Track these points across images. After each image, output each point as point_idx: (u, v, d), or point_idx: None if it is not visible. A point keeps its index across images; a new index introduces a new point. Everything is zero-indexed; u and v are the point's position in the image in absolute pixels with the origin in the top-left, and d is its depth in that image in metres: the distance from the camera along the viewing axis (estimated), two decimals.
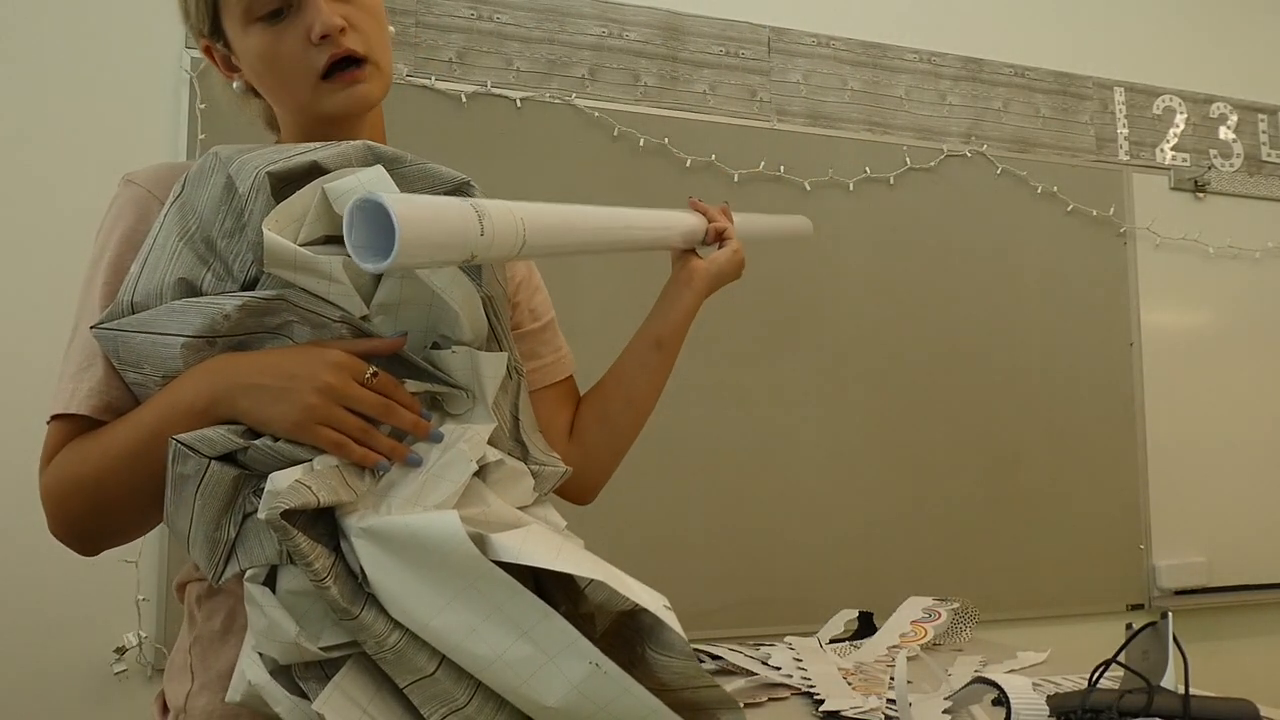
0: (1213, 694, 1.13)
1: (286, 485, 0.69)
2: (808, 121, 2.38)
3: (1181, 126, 2.77)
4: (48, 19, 1.89)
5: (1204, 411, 2.66)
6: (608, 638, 0.74)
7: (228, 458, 0.73)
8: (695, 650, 1.67)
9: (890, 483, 2.34)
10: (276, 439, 0.73)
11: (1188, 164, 2.75)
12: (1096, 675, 1.16)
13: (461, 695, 0.69)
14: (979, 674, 1.46)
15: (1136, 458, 2.58)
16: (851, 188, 2.38)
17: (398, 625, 0.69)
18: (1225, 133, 2.82)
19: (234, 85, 0.93)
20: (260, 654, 0.71)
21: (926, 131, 2.49)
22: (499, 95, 2.12)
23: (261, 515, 0.69)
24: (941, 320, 2.43)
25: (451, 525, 0.67)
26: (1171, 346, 2.65)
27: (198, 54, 1.91)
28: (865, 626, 1.94)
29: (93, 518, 0.78)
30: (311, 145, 0.80)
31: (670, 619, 0.68)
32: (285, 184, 0.77)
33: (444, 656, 0.69)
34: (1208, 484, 2.64)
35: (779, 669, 1.58)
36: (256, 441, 0.73)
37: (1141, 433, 2.59)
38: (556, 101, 2.16)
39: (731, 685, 1.48)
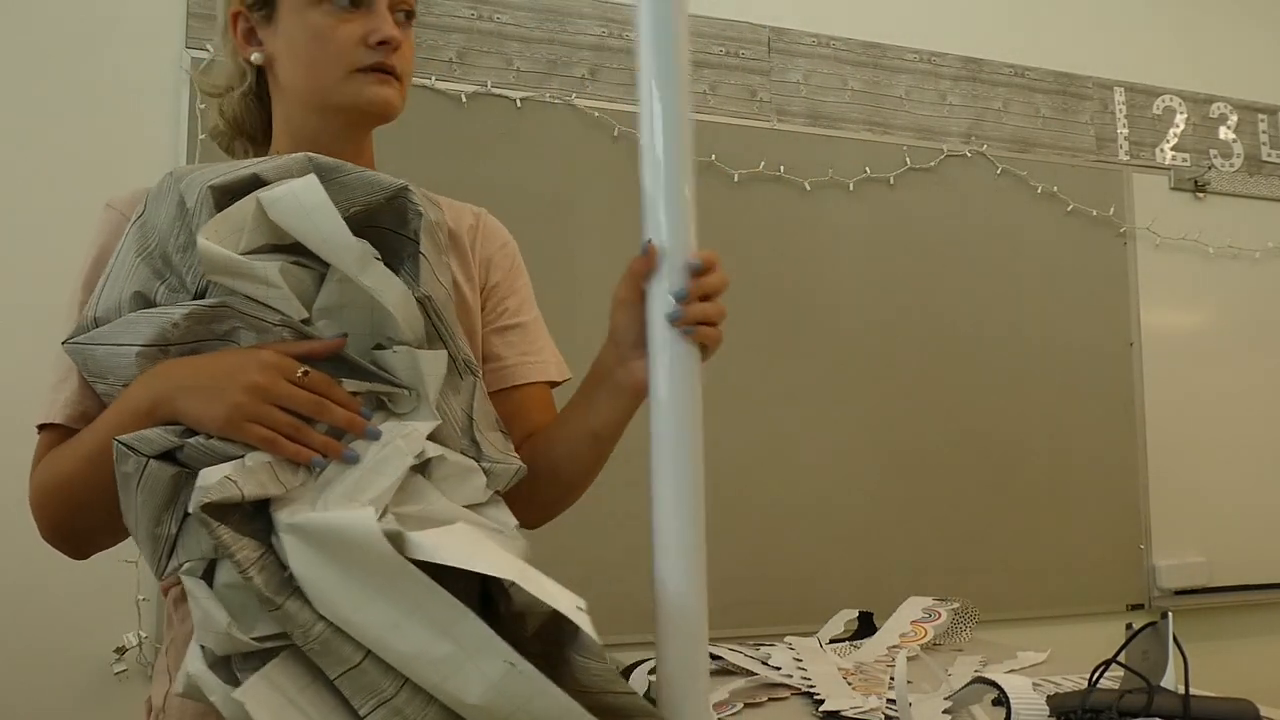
0: (1213, 694, 1.13)
1: (215, 480, 0.72)
2: (808, 121, 2.38)
3: (1181, 126, 2.77)
4: (48, 18, 1.89)
5: (1204, 411, 2.66)
6: (540, 638, 0.74)
7: (167, 456, 0.76)
8: None
9: (890, 483, 2.34)
10: (209, 437, 0.76)
11: (1188, 164, 2.75)
12: (1096, 675, 1.16)
13: (389, 687, 0.70)
14: (979, 674, 1.46)
15: (1136, 458, 2.58)
16: (851, 188, 2.38)
17: (322, 617, 0.70)
18: (1225, 133, 2.82)
19: (252, 57, 0.93)
20: (201, 646, 0.74)
21: (926, 131, 2.49)
22: (499, 95, 2.12)
23: (191, 509, 0.72)
24: (941, 320, 2.43)
25: (366, 523, 0.68)
26: (1171, 346, 2.64)
27: (198, 54, 1.93)
28: (865, 626, 1.94)
29: (71, 520, 0.84)
30: (256, 160, 0.84)
31: (583, 621, 0.69)
32: (229, 197, 0.80)
33: (369, 650, 0.71)
34: (1208, 484, 2.64)
35: (779, 669, 1.58)
36: (191, 440, 0.76)
37: (1141, 433, 2.58)
38: (556, 101, 2.16)
39: (731, 685, 1.48)
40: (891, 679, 1.50)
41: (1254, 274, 2.76)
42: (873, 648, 1.77)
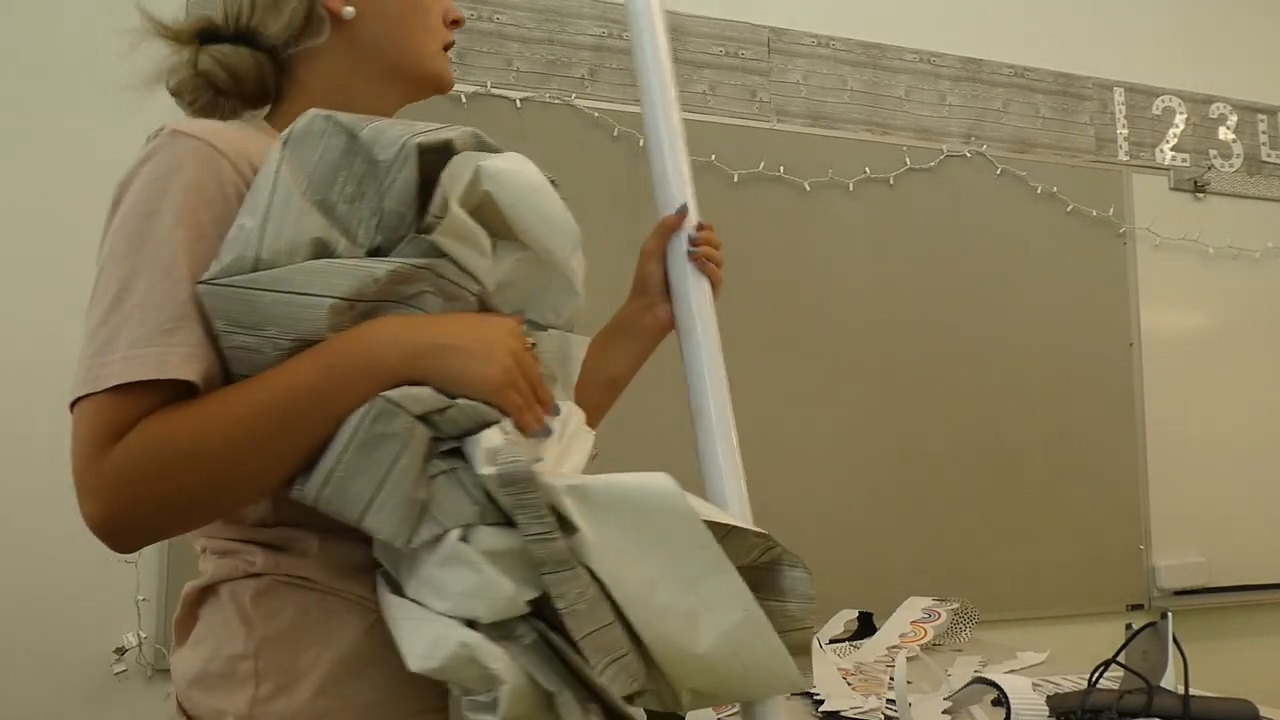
0: (1213, 694, 1.13)
1: (499, 444, 0.71)
2: (808, 122, 2.38)
3: (1181, 127, 2.77)
4: (48, 19, 1.89)
5: (1204, 412, 2.66)
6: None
7: (422, 418, 0.72)
8: None
9: (890, 483, 2.34)
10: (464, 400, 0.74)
11: (1187, 164, 2.75)
12: (1096, 675, 1.16)
13: (625, 645, 0.72)
14: (978, 674, 1.46)
15: (1136, 458, 2.58)
16: (851, 188, 2.38)
17: (595, 577, 0.71)
18: (1225, 133, 2.82)
19: (345, 10, 0.88)
20: (448, 618, 0.70)
21: (926, 132, 2.49)
22: (499, 95, 2.12)
23: (491, 471, 0.70)
24: (941, 320, 2.43)
25: (668, 486, 0.72)
26: (1171, 346, 2.65)
27: None
28: (865, 626, 1.94)
29: (195, 495, 0.70)
30: (433, 125, 0.80)
31: (803, 564, 0.81)
32: (427, 158, 0.78)
33: (619, 610, 0.72)
34: (1208, 484, 2.64)
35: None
36: (459, 401, 0.72)
37: (1141, 433, 2.59)
38: (556, 102, 2.16)
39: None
40: (891, 679, 1.50)
41: (1254, 274, 2.76)
42: (873, 648, 1.77)
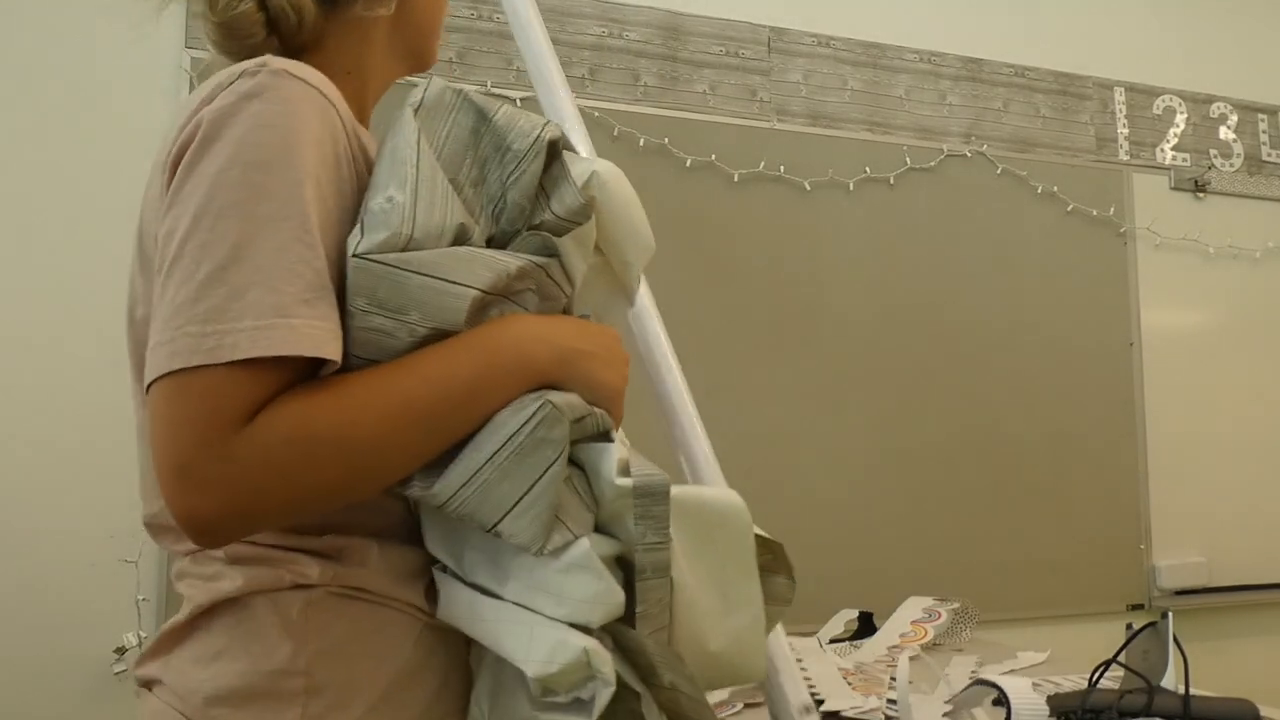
0: (1213, 694, 1.13)
1: (628, 454, 0.72)
2: (808, 121, 2.38)
3: (1181, 126, 2.77)
4: (48, 18, 1.89)
5: (1204, 411, 2.66)
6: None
7: None
8: None
9: (890, 483, 2.34)
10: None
11: (1188, 164, 2.75)
12: (1096, 675, 1.16)
13: (664, 629, 0.75)
14: (977, 674, 1.46)
15: (1136, 458, 2.58)
16: (851, 188, 2.38)
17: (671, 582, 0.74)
18: (1225, 133, 2.82)
19: (384, 10, 0.84)
20: (565, 624, 0.70)
21: (926, 131, 2.49)
22: (499, 95, 2.12)
23: (632, 482, 0.70)
24: (941, 320, 2.43)
25: (742, 506, 0.80)
26: (1171, 346, 2.64)
27: (198, 54, 1.92)
28: (865, 626, 1.94)
29: (335, 486, 0.64)
30: (544, 119, 0.78)
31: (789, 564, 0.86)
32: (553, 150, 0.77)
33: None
34: (1208, 484, 2.64)
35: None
36: (596, 409, 0.72)
37: (1141, 433, 2.58)
38: None
39: (731, 685, 1.47)
40: (892, 679, 1.50)
41: (1254, 274, 2.76)
42: (873, 648, 1.77)
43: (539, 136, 0.73)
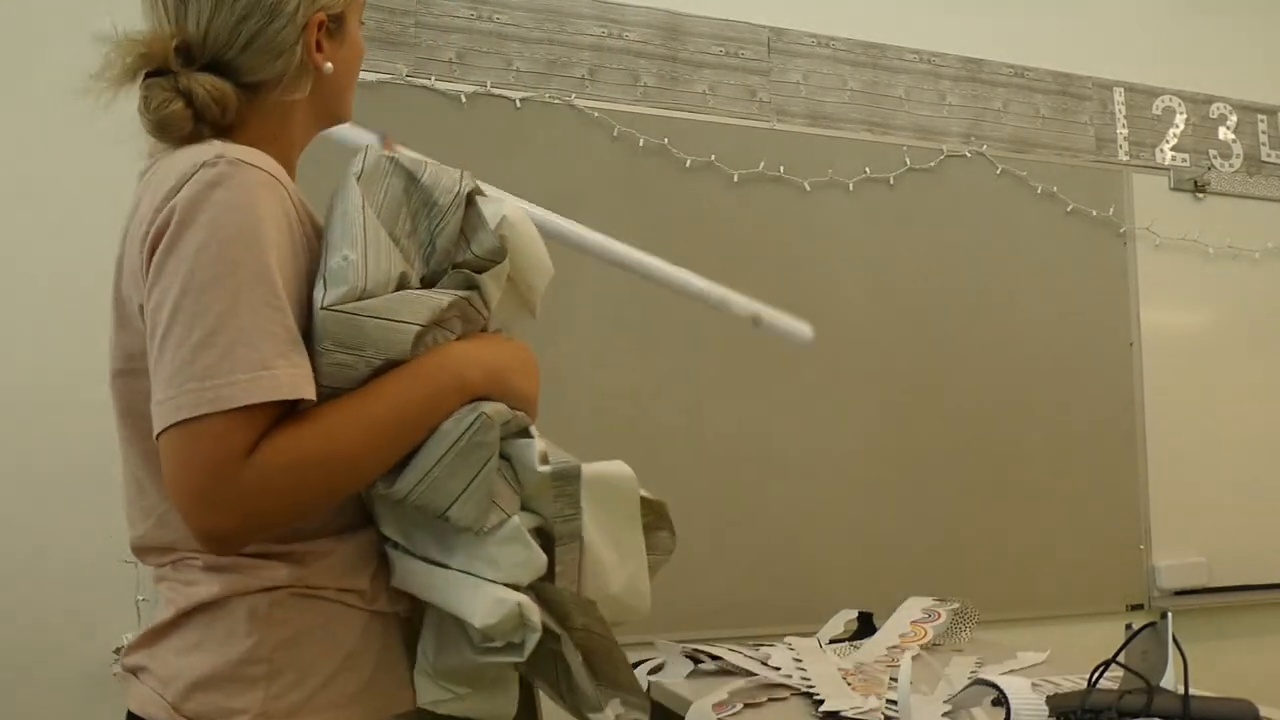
0: (1213, 694, 1.13)
1: (545, 446, 0.90)
2: (808, 122, 2.38)
3: (1181, 127, 2.77)
4: (48, 18, 1.89)
5: (1204, 412, 2.66)
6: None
7: None
8: (696, 650, 1.67)
9: (890, 483, 2.34)
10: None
11: (1187, 164, 2.75)
12: (1096, 675, 1.16)
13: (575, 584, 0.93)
14: (976, 675, 1.46)
15: (1136, 457, 2.58)
16: (851, 188, 2.38)
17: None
18: (1225, 133, 2.82)
19: (326, 66, 0.94)
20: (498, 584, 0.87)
21: (926, 132, 2.49)
22: (499, 95, 2.12)
23: (550, 469, 0.88)
24: (941, 320, 2.43)
25: (630, 474, 0.95)
26: (1171, 346, 2.64)
27: None
28: (865, 626, 1.94)
29: (321, 497, 0.82)
30: (462, 170, 0.94)
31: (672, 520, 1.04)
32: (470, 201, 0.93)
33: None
34: (1208, 484, 2.64)
35: (779, 669, 1.58)
36: (519, 413, 0.90)
37: (1141, 433, 2.58)
38: (556, 102, 2.16)
39: (731, 685, 1.48)
40: (892, 679, 1.50)
41: (1254, 274, 2.76)
42: (872, 648, 1.77)
43: (459, 192, 0.90)
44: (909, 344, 2.40)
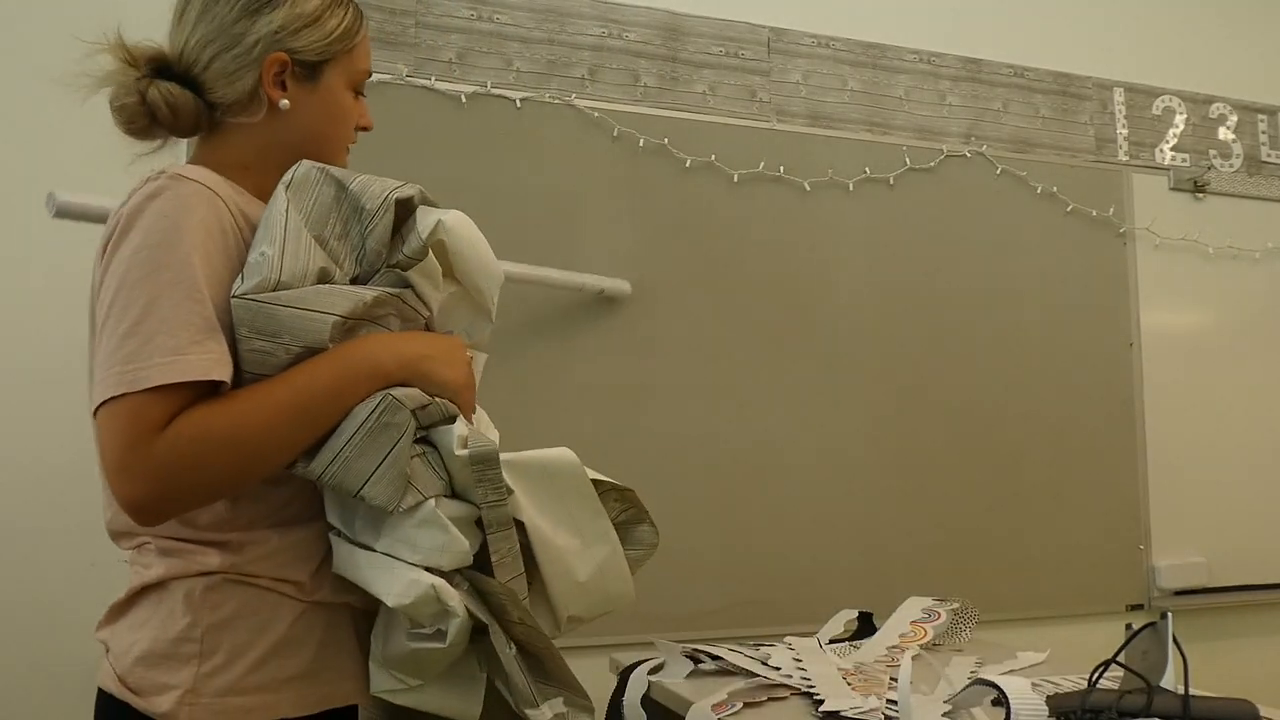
0: (1213, 694, 1.13)
1: (468, 431, 0.93)
2: (807, 122, 2.38)
3: (1181, 127, 2.77)
4: (48, 18, 1.89)
5: (1203, 412, 2.66)
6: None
7: (412, 412, 0.92)
8: (696, 650, 1.67)
9: (890, 483, 2.34)
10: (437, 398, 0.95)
11: (1187, 164, 2.75)
12: (1096, 675, 1.16)
13: (525, 590, 0.95)
14: (976, 674, 1.46)
15: (1136, 458, 2.58)
16: (851, 188, 2.38)
17: (521, 529, 0.95)
18: (1225, 133, 2.82)
19: (281, 103, 1.02)
20: (418, 567, 0.90)
21: (926, 132, 2.49)
22: (499, 95, 2.12)
23: (468, 453, 0.91)
24: (941, 320, 2.43)
25: (572, 458, 0.98)
26: (1171, 347, 2.64)
27: None
28: (865, 626, 1.94)
29: (229, 475, 0.87)
30: (404, 182, 0.99)
31: (650, 518, 1.06)
32: (402, 208, 0.98)
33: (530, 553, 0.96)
34: (1208, 484, 2.64)
35: (779, 669, 1.58)
36: (436, 399, 0.93)
37: (1141, 433, 2.58)
38: (556, 102, 2.16)
39: (731, 686, 1.48)
40: (892, 679, 1.50)
41: (1254, 274, 2.76)
42: (872, 648, 1.77)
43: (387, 197, 0.95)
44: (909, 344, 2.40)
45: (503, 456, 0.93)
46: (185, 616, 0.92)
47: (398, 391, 0.90)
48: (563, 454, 0.97)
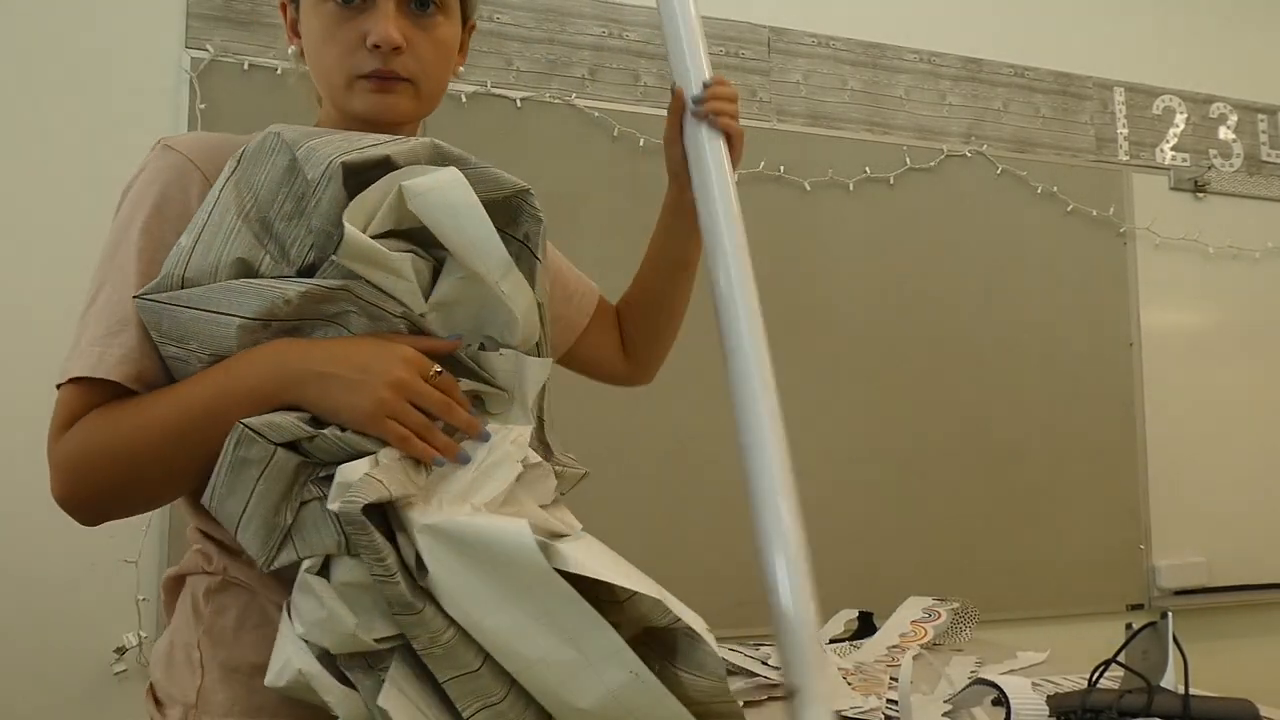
0: (1213, 694, 1.13)
1: (358, 478, 0.69)
2: (808, 121, 2.38)
3: (1181, 126, 2.77)
4: (48, 18, 1.89)
5: (1204, 412, 2.66)
6: (632, 648, 0.73)
7: (290, 445, 0.72)
8: None
9: (890, 482, 2.34)
10: (343, 429, 0.73)
11: (1187, 164, 2.75)
12: (1096, 675, 1.16)
13: (499, 691, 0.71)
14: (977, 674, 1.46)
15: (1136, 458, 2.58)
16: (851, 188, 2.38)
17: (452, 622, 0.70)
18: (1225, 133, 2.82)
19: (290, 49, 0.93)
20: (305, 642, 0.71)
21: (926, 131, 2.49)
22: (499, 95, 2.12)
23: (334, 507, 0.68)
24: (941, 320, 2.43)
25: (524, 535, 0.68)
26: (1171, 346, 2.64)
27: (198, 53, 1.93)
28: (865, 626, 1.94)
29: (116, 489, 0.75)
30: (380, 138, 0.79)
31: (710, 640, 0.73)
32: (355, 175, 0.76)
33: (488, 654, 0.71)
34: (1208, 484, 2.64)
35: (779, 669, 1.58)
36: (325, 431, 0.73)
37: (1141, 433, 2.58)
38: (556, 101, 2.16)
39: (731, 685, 1.47)
40: (892, 679, 1.50)
41: (1254, 274, 2.76)
42: (873, 648, 1.77)
43: (330, 163, 0.74)
44: (909, 343, 2.40)
45: (427, 519, 0.70)
46: (194, 620, 0.84)
47: (256, 421, 0.71)
48: (511, 532, 0.69)
